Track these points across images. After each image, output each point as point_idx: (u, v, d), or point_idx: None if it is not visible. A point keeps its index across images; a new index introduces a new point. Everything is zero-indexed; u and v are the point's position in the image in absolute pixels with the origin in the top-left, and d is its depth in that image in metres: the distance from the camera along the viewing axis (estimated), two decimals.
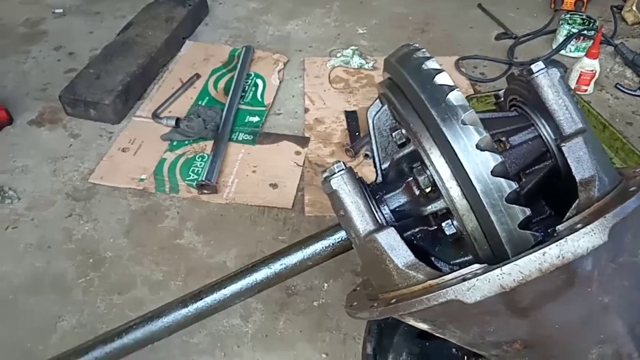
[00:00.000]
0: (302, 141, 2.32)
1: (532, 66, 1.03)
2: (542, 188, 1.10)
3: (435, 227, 1.06)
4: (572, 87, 2.54)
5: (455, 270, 1.00)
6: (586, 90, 2.55)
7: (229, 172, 2.16)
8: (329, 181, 1.01)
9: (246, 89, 2.60)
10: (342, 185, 1.00)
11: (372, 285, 1.07)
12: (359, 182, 1.03)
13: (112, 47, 2.66)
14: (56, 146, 2.28)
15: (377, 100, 1.18)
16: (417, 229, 1.09)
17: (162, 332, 1.17)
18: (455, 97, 0.92)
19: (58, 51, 2.87)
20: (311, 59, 2.82)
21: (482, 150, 0.89)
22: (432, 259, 1.06)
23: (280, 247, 1.83)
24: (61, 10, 3.21)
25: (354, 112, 2.47)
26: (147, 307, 1.66)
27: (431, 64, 0.96)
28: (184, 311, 1.17)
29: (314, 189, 2.09)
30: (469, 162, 0.89)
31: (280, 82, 2.65)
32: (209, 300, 1.16)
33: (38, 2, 3.31)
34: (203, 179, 2.05)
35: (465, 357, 1.28)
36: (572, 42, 2.76)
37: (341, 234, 1.14)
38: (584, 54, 2.56)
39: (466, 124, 0.90)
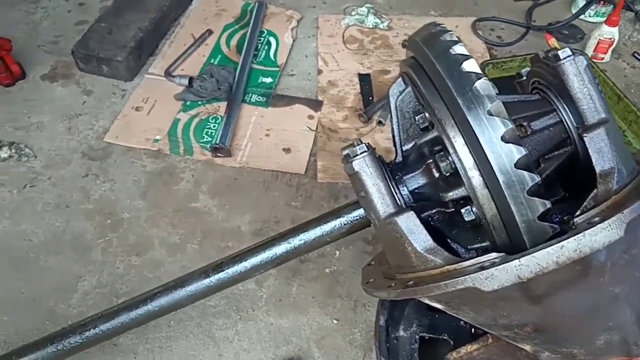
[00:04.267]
0: (315, 105, 2.31)
1: (560, 52, 1.03)
2: (560, 173, 1.11)
3: (453, 210, 1.09)
4: (589, 54, 2.49)
5: (471, 255, 1.04)
6: (603, 59, 2.50)
7: (242, 135, 2.17)
8: (351, 162, 1.03)
9: (259, 47, 2.56)
10: (364, 167, 1.02)
11: (389, 263, 1.11)
12: (380, 163, 1.05)
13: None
14: (70, 103, 2.27)
15: (400, 79, 1.17)
16: (434, 211, 1.12)
17: (186, 300, 1.22)
18: (482, 86, 0.92)
19: (68, 1, 2.80)
20: (325, 17, 2.76)
21: (506, 142, 0.90)
22: (448, 240, 1.09)
23: (293, 214, 1.90)
24: None
25: (368, 75, 2.45)
26: (165, 269, 1.73)
27: (459, 49, 0.96)
28: (206, 281, 1.21)
29: (326, 154, 2.11)
30: (493, 154, 0.90)
31: (293, 41, 2.61)
32: (230, 271, 1.21)
33: None
34: (217, 142, 2.07)
35: (472, 329, 1.34)
36: (592, 7, 2.68)
37: (359, 212, 1.17)
38: (603, 19, 2.50)
39: (492, 115, 0.91)
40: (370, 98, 2.32)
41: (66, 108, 2.25)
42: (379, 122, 2.18)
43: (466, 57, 0.94)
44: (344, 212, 1.17)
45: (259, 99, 2.32)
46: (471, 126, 0.89)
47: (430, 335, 1.31)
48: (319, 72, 2.47)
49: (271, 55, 2.53)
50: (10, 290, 1.69)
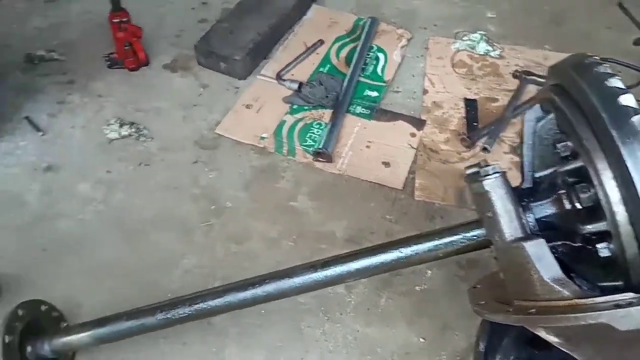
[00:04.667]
0: (418, 123, 2.33)
1: None
2: None
3: (580, 245, 1.06)
4: None
5: (599, 293, 1.01)
6: None
7: (343, 144, 2.22)
8: (482, 182, 1.04)
9: (367, 61, 2.61)
10: (495, 188, 1.03)
11: (506, 288, 1.09)
12: (510, 187, 1.05)
13: (245, 3, 2.74)
14: (187, 93, 2.43)
15: (538, 105, 1.17)
16: (559, 243, 1.10)
17: (291, 291, 1.27)
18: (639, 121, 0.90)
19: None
20: (436, 39, 2.77)
21: None
22: (572, 275, 1.07)
23: (387, 227, 1.92)
24: None
25: (475, 100, 2.43)
26: (261, 261, 1.80)
27: (615, 82, 0.95)
28: (313, 275, 1.25)
29: (425, 173, 2.11)
30: None
31: (402, 59, 2.65)
32: (337, 269, 1.24)
33: None
34: (321, 146, 2.13)
35: None
36: None
37: (478, 232, 1.16)
38: None
39: None
40: (475, 124, 2.30)
41: (183, 97, 2.40)
42: (484, 149, 2.16)
43: (624, 91, 0.93)
44: (461, 229, 1.17)
45: (363, 111, 2.37)
46: (624, 160, 0.88)
47: None
48: (425, 92, 2.48)
49: (378, 71, 2.58)
50: (118, 258, 1.82)
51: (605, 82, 0.95)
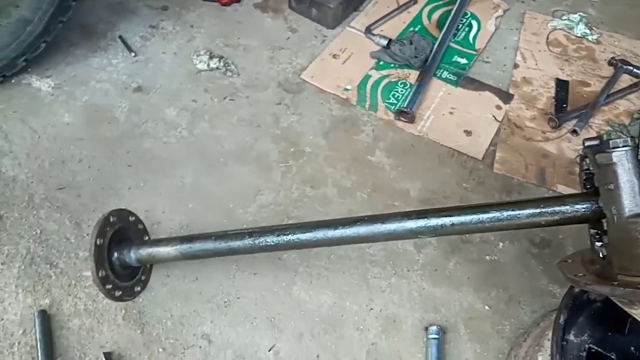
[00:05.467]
0: (505, 96, 2.27)
1: None
2: None
3: None
4: None
5: None
6: None
7: (426, 107, 2.20)
8: (610, 153, 1.01)
9: (460, 27, 2.55)
10: (623, 160, 1.00)
11: (610, 263, 1.06)
12: (638, 163, 1.02)
13: None
14: (276, 35, 2.43)
15: None
16: None
17: (381, 236, 1.28)
18: None
19: None
20: (532, 14, 2.67)
21: None
22: None
23: (462, 194, 1.91)
24: None
25: (567, 82, 2.34)
26: (334, 207, 1.83)
27: None
28: (407, 223, 1.25)
29: (507, 147, 2.07)
30: None
31: (495, 29, 2.56)
32: (432, 222, 1.24)
33: None
34: (405, 106, 2.11)
35: None
36: None
37: (585, 205, 1.13)
38: None
39: None
40: (565, 105, 2.23)
41: (271, 39, 2.41)
42: (574, 131, 2.10)
43: None
44: (568, 200, 1.15)
45: (449, 76, 2.32)
46: None
47: (599, 350, 1.27)
48: (515, 66, 2.41)
49: (470, 38, 2.51)
50: (198, 184, 1.88)
51: None
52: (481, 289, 1.66)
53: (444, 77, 2.33)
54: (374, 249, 1.73)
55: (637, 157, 1.00)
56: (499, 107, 2.22)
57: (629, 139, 1.00)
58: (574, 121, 2.14)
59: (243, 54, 2.34)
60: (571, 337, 1.28)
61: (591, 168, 1.13)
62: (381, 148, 2.04)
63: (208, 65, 2.25)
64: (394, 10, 2.59)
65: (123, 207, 1.60)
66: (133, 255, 1.49)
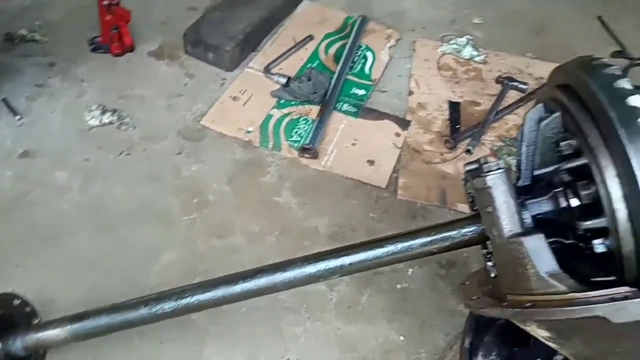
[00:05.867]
0: (403, 123, 2.34)
1: None
2: None
3: (572, 242, 1.08)
4: None
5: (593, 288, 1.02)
6: None
7: (329, 141, 2.22)
8: (484, 177, 1.05)
9: (356, 60, 2.61)
10: (497, 183, 1.04)
11: (499, 283, 1.09)
12: (512, 184, 1.06)
13: None
14: (173, 82, 2.39)
15: (541, 105, 1.18)
16: (552, 240, 1.10)
17: (283, 285, 1.25)
18: None
19: None
20: (423, 41, 2.79)
21: None
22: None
23: (369, 225, 1.93)
24: None
25: (458, 103, 2.46)
26: (244, 256, 1.78)
27: (625, 84, 0.96)
28: (307, 269, 1.23)
29: (408, 173, 2.12)
30: None
31: (389, 59, 2.66)
32: (332, 263, 1.23)
33: None
34: (307, 142, 2.12)
35: None
36: None
37: (473, 228, 1.16)
38: None
39: None
40: (458, 126, 2.33)
41: (168, 86, 2.37)
42: (467, 151, 2.19)
43: (632, 92, 0.94)
44: (457, 225, 1.18)
45: (349, 108, 2.37)
46: (629, 158, 0.89)
47: None
48: (410, 92, 2.49)
49: (366, 69, 2.58)
50: (94, 251, 1.78)
51: (614, 83, 0.97)
52: (394, 319, 1.67)
53: (344, 109, 2.37)
54: (286, 295, 1.69)
55: (511, 178, 1.05)
56: (398, 134, 2.28)
57: (501, 161, 1.04)
58: (468, 140, 2.24)
59: (139, 105, 2.27)
60: (479, 358, 1.31)
61: (471, 191, 1.17)
62: (287, 187, 2.03)
63: (101, 120, 2.17)
64: (291, 48, 2.62)
65: (7, 290, 1.48)
66: (19, 343, 1.35)
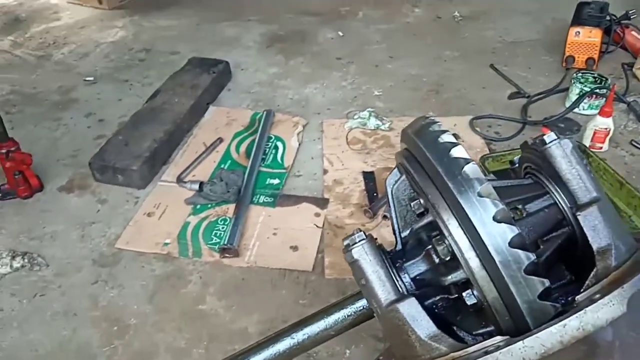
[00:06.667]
0: (322, 202, 2.36)
1: (545, 137, 1.07)
2: (561, 254, 1.11)
3: (456, 296, 1.08)
4: (587, 144, 2.56)
5: (477, 341, 1.01)
6: (601, 148, 2.56)
7: (250, 235, 2.20)
8: (350, 251, 1.04)
9: (267, 151, 2.68)
10: (363, 254, 1.03)
11: (395, 355, 1.07)
12: (380, 251, 1.06)
13: (140, 114, 2.79)
14: (84, 212, 2.35)
15: (396, 169, 1.22)
16: (437, 297, 1.11)
17: None
18: (471, 170, 0.95)
19: (88, 118, 3.01)
20: (329, 121, 2.90)
21: (499, 222, 0.92)
22: (455, 328, 1.07)
23: (301, 311, 1.87)
24: (92, 78, 3.39)
25: (372, 172, 2.52)
26: None
27: (447, 137, 1.01)
28: None
29: (333, 250, 2.11)
30: (487, 234, 0.91)
31: (299, 145, 2.73)
32: None
33: (70, 70, 3.51)
34: (225, 243, 2.10)
35: None
36: (584, 101, 2.80)
37: (363, 302, 1.15)
38: (597, 111, 2.60)
39: (482, 197, 0.93)
40: (375, 194, 2.37)
41: (80, 217, 2.33)
42: (384, 217, 2.21)
43: (454, 144, 0.98)
44: (347, 303, 1.16)
45: (266, 199, 2.39)
46: (463, 208, 0.92)
47: None
48: (325, 171, 2.55)
49: (278, 158, 2.64)
50: None
51: (439, 138, 1.01)
52: None
53: (262, 201, 2.38)
54: None
55: (376, 246, 1.05)
56: (317, 215, 2.30)
57: (362, 232, 1.05)
58: (385, 206, 2.27)
59: (50, 242, 2.21)
60: None
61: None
62: (211, 293, 1.97)
63: (11, 266, 2.09)
64: (202, 154, 2.67)
65: None
66: None
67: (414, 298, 0.99)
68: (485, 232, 0.91)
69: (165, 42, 3.79)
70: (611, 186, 2.26)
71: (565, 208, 1.08)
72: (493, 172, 2.33)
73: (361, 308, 1.15)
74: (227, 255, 2.10)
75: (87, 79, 3.39)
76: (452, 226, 0.95)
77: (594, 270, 0.96)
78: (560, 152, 1.05)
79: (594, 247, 0.97)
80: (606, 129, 2.52)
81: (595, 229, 0.98)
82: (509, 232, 0.91)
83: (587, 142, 2.57)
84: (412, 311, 0.97)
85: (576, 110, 2.82)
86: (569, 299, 1.08)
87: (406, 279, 1.09)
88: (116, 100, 3.15)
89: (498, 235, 0.91)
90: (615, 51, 3.36)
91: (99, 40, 3.87)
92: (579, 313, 0.83)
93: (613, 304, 0.85)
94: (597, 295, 0.88)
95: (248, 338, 1.79)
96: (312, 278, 2.00)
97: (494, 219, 0.91)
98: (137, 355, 1.75)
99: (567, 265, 1.15)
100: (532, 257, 0.91)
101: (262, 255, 2.11)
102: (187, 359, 1.73)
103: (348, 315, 1.15)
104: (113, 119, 2.96)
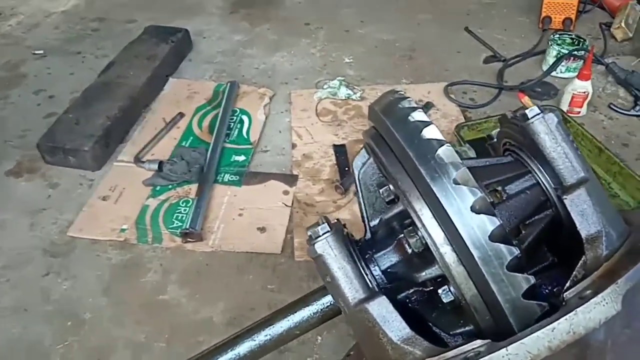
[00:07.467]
0: (290, 179, 2.23)
1: (527, 111, 0.95)
2: (544, 237, 1.01)
3: (432, 289, 0.97)
4: (565, 109, 2.47)
5: (456, 342, 0.91)
6: (579, 113, 2.48)
7: (214, 217, 2.07)
8: (313, 245, 0.93)
9: (231, 126, 2.52)
10: (327, 249, 0.92)
11: (365, 356, 0.97)
12: (347, 243, 0.95)
13: (92, 89, 2.58)
14: (34, 197, 2.18)
15: (363, 150, 1.09)
16: (411, 291, 1.00)
17: None
18: (445, 153, 0.83)
19: (38, 95, 2.79)
20: (297, 92, 2.75)
21: (477, 212, 0.80)
22: (430, 324, 0.97)
23: (269, 298, 1.76)
24: (42, 52, 3.15)
25: (343, 145, 2.39)
26: None
27: (418, 115, 0.88)
28: None
29: (303, 230, 1.99)
30: (464, 227, 0.80)
31: (266, 118, 2.58)
32: None
33: (18, 44, 3.25)
34: (187, 226, 1.96)
35: None
36: (562, 63, 2.70)
37: (330, 298, 1.04)
38: (575, 74, 2.51)
39: (459, 184, 0.81)
40: (347, 169, 2.25)
41: (30, 203, 2.15)
42: (356, 193, 2.09)
43: (426, 124, 0.86)
44: (312, 299, 1.05)
45: (231, 178, 2.25)
46: (437, 197, 0.80)
47: None
48: (293, 146, 2.41)
49: (244, 133, 2.49)
50: None
51: (409, 117, 0.88)
52: None
53: (226, 180, 2.24)
54: None
55: (342, 237, 0.93)
56: (286, 192, 2.17)
57: (326, 224, 0.92)
58: None
59: None
60: None
61: None
62: (173, 281, 1.84)
63: None
64: (161, 130, 2.49)
65: None
66: None
67: (384, 297, 0.88)
68: (462, 223, 0.80)
69: (121, 10, 3.53)
70: (590, 152, 2.18)
71: (549, 188, 0.97)
72: (469, 141, 2.23)
73: (328, 304, 1.04)
74: (190, 239, 1.96)
75: (37, 52, 3.14)
76: (425, 217, 0.83)
77: (583, 259, 0.87)
78: (544, 127, 0.93)
79: (583, 234, 0.87)
80: (585, 92, 2.43)
81: (584, 214, 0.88)
82: (489, 223, 0.80)
83: (564, 107, 2.48)
84: (382, 311, 0.87)
85: (553, 73, 2.71)
86: (554, 290, 0.99)
87: (376, 271, 0.98)
88: (68, 75, 2.92)
89: (477, 228, 0.80)
90: (593, 10, 3.26)
91: (50, 9, 3.59)
92: (569, 315, 0.74)
93: (606, 303, 0.75)
94: (588, 292, 0.78)
95: (213, 328, 1.68)
96: (281, 261, 1.89)
97: (472, 209, 0.80)
98: (93, 352, 1.63)
99: (549, 247, 1.06)
100: (516, 251, 0.80)
101: (227, 238, 1.99)
102: (148, 354, 1.62)
103: (314, 313, 1.05)
104: (64, 95, 2.75)
